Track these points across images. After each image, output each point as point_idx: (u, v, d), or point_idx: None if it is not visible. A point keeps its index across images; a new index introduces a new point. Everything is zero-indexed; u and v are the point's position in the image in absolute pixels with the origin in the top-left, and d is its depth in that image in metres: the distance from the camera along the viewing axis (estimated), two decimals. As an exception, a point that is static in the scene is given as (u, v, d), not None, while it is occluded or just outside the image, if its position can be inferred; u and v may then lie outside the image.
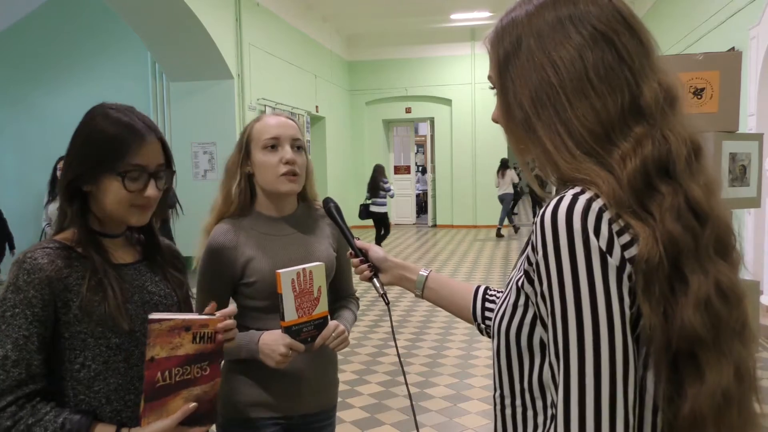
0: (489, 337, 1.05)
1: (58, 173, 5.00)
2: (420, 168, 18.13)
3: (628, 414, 0.72)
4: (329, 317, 1.60)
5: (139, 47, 8.44)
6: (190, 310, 1.37)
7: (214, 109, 8.34)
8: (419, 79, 14.09)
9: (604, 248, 0.73)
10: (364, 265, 1.37)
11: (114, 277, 1.21)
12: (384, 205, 10.03)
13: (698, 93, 2.72)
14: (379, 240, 10.06)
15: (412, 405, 1.33)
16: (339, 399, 2.05)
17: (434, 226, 14.57)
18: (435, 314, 6.21)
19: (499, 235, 12.25)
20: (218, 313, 1.24)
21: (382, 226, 10.09)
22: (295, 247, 1.68)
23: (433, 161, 14.71)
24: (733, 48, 6.45)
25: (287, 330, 1.51)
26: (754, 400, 0.80)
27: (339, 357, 1.86)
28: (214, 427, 1.36)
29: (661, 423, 0.77)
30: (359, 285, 1.83)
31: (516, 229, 12.99)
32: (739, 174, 2.81)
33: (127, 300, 1.22)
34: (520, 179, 12.63)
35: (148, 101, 8.74)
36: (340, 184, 12.91)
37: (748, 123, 6.02)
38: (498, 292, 1.23)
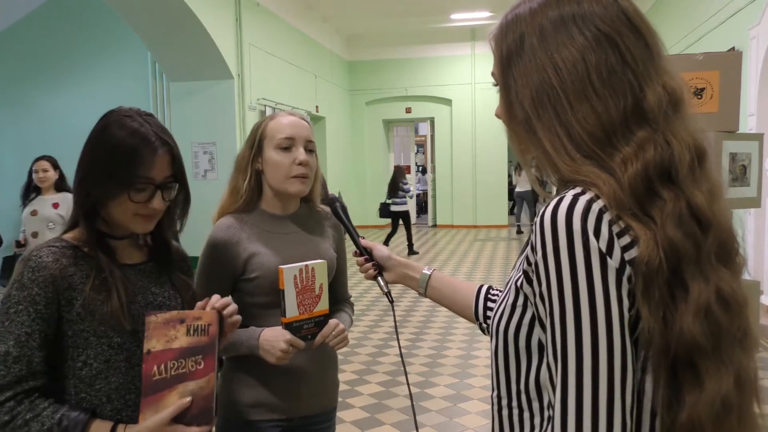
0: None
1: (34, 176, 4.92)
2: (420, 168, 18.13)
3: (625, 417, 0.72)
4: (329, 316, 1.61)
5: (139, 47, 8.43)
6: None
7: (214, 109, 8.33)
8: (419, 79, 14.09)
9: (603, 249, 0.73)
10: (369, 264, 1.38)
11: (119, 277, 1.22)
12: (405, 203, 10.36)
13: (698, 93, 2.72)
14: (388, 238, 10.44)
15: (412, 405, 1.34)
16: (339, 399, 2.05)
17: (434, 226, 14.57)
18: (435, 314, 6.20)
19: (519, 232, 12.81)
20: (216, 301, 1.25)
21: (404, 222, 10.33)
22: (298, 245, 1.69)
23: (433, 161, 14.70)
24: (733, 48, 6.45)
25: (288, 326, 1.51)
26: (755, 405, 0.79)
27: (339, 357, 1.86)
28: (213, 428, 1.36)
29: (659, 428, 0.76)
30: (358, 286, 1.83)
31: (519, 231, 13.02)
32: (740, 174, 2.81)
33: (131, 300, 1.24)
34: None
35: (148, 101, 8.72)
36: (340, 184, 12.90)
37: (748, 123, 6.02)
38: (500, 291, 1.23)
